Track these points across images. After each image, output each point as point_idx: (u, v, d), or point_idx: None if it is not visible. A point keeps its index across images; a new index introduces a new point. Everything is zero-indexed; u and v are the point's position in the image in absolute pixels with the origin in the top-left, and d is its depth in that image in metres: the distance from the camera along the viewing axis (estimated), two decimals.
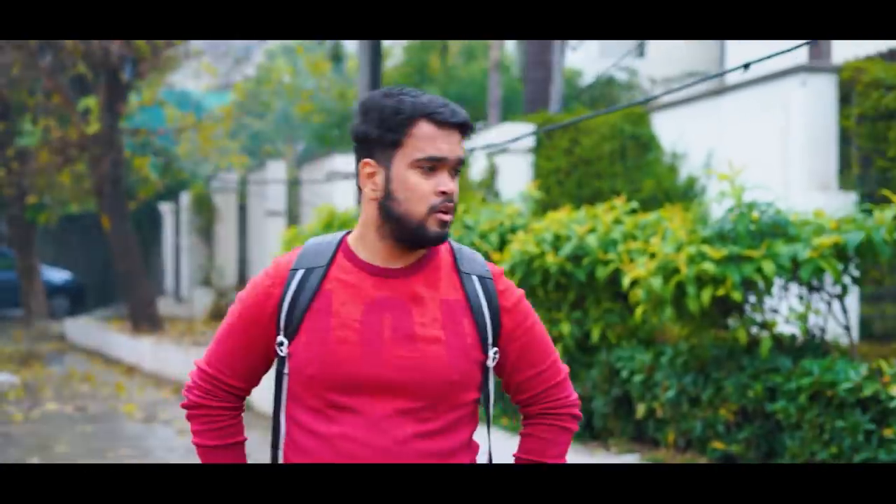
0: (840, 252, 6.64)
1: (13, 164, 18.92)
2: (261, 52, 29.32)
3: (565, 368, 2.88)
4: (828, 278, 6.95)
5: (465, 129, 2.67)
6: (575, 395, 2.87)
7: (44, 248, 26.86)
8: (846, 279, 6.93)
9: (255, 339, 2.76)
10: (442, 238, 2.67)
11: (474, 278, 2.76)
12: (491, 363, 2.76)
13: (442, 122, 2.63)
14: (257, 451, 3.50)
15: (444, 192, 2.62)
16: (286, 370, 2.72)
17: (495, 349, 2.76)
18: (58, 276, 27.39)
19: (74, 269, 28.80)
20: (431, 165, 2.62)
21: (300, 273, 2.72)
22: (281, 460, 2.76)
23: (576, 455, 7.92)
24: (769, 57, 4.60)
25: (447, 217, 2.64)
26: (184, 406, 2.83)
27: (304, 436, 2.70)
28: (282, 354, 2.72)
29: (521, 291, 2.83)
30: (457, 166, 2.67)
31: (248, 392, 2.85)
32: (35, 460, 9.74)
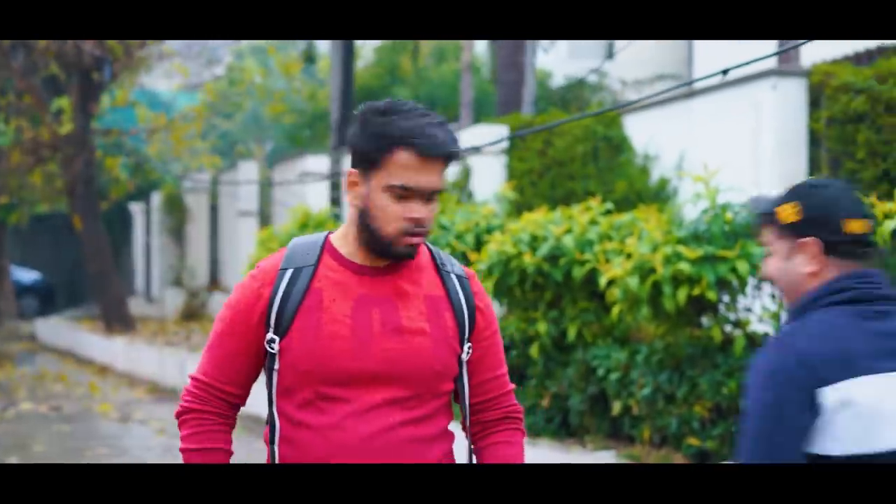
0: None
1: None
2: (228, 52, 29.34)
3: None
4: None
5: (448, 159, 2.76)
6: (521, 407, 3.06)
7: (12, 248, 26.73)
8: None
9: (247, 342, 2.84)
10: (409, 256, 2.79)
11: (454, 277, 2.90)
12: (465, 356, 2.89)
13: (423, 153, 2.71)
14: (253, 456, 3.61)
15: (414, 219, 2.72)
16: (276, 367, 2.81)
17: (469, 344, 2.89)
18: (27, 276, 27.31)
19: (43, 270, 28.70)
20: (402, 193, 2.71)
21: (289, 272, 2.82)
22: (277, 455, 2.84)
23: (552, 452, 8.06)
24: (747, 63, 4.75)
25: (415, 240, 2.75)
26: (176, 414, 2.89)
27: (296, 429, 2.79)
28: (272, 352, 2.80)
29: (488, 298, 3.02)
30: (432, 194, 2.76)
31: (242, 401, 2.93)
32: (13, 460, 9.79)
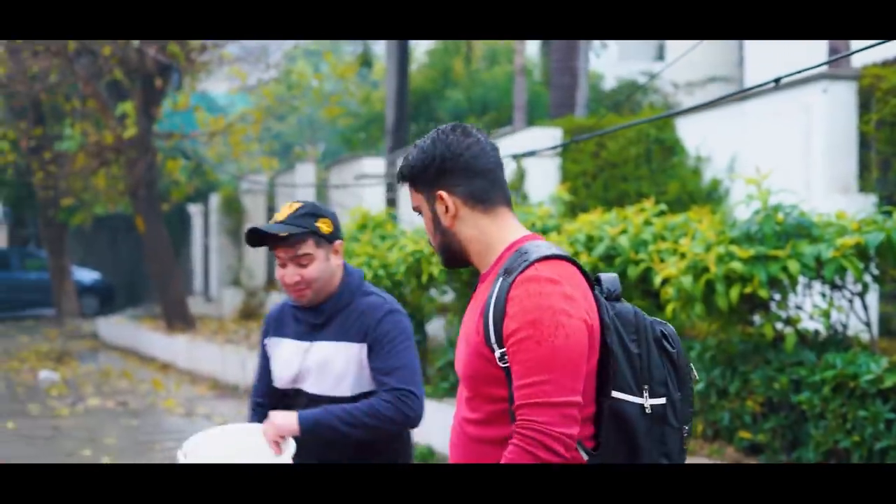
0: (861, 252, 7.00)
1: (51, 168, 19.39)
2: (281, 55, 29.75)
3: (561, 396, 2.76)
4: (849, 276, 7.32)
5: (401, 180, 3.12)
6: (557, 427, 2.74)
7: (73, 249, 27.33)
8: (867, 278, 7.29)
9: None
10: (443, 265, 3.12)
11: (500, 278, 2.90)
12: (500, 363, 2.83)
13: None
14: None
15: None
16: None
17: (502, 349, 2.83)
18: (87, 276, 27.89)
19: (103, 270, 29.29)
20: None
21: None
22: None
23: None
24: (799, 71, 4.98)
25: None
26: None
27: None
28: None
29: (539, 303, 2.79)
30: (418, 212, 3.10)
31: None
32: (87, 452, 10.17)
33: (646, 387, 2.87)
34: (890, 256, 7.00)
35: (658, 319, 3.00)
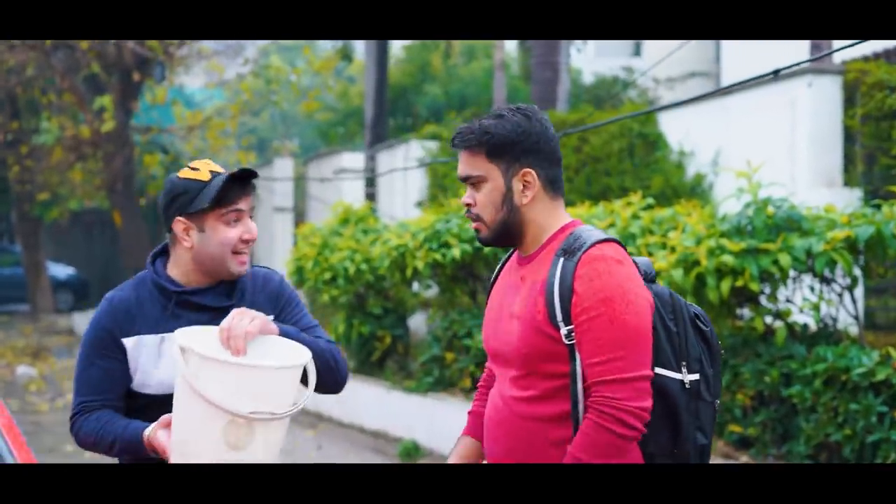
0: (851, 245, 7.01)
1: (27, 162, 19.25)
2: (256, 50, 29.63)
3: (635, 371, 2.86)
4: (838, 270, 7.33)
5: (470, 145, 3.10)
6: (633, 402, 2.84)
7: (47, 245, 27.15)
8: (856, 271, 7.31)
9: None
10: (486, 242, 3.15)
11: (561, 258, 2.95)
12: (566, 340, 2.91)
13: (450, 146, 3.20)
14: None
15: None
16: None
17: (569, 327, 2.90)
18: (62, 271, 27.73)
19: (77, 265, 29.12)
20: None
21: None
22: None
23: None
24: (798, 64, 4.98)
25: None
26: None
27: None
28: None
29: (609, 282, 2.88)
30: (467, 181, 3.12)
31: None
32: (69, 448, 10.10)
33: (683, 363, 3.00)
34: (879, 250, 7.01)
35: (688, 302, 3.11)
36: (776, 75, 4.93)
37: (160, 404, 3.27)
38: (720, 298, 7.15)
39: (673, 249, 7.58)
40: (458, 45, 22.01)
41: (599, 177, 12.14)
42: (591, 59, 24.32)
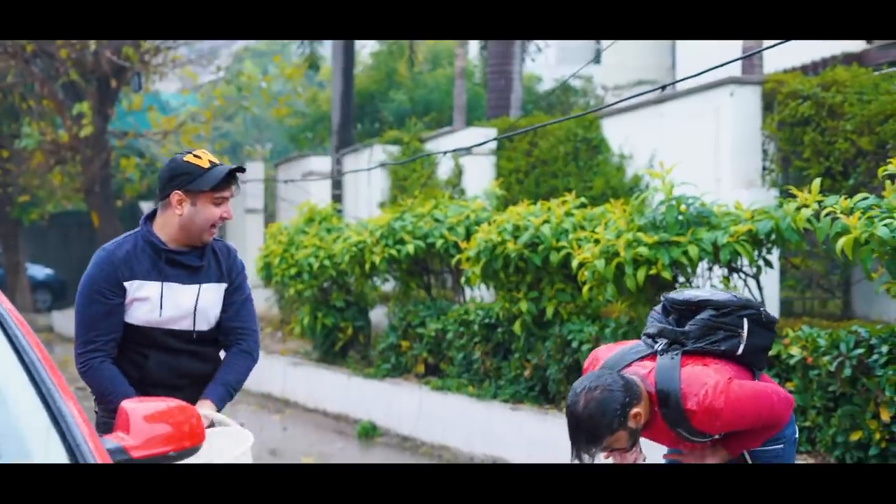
0: (754, 238, 7.89)
1: (8, 165, 20.02)
2: (228, 56, 30.39)
3: None
4: (746, 261, 8.21)
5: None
6: None
7: (26, 246, 27.84)
8: (760, 262, 8.18)
9: None
10: None
11: None
12: None
13: None
14: None
15: None
16: None
17: None
18: (40, 272, 28.44)
19: (55, 266, 29.83)
20: None
21: None
22: None
23: (533, 416, 9.20)
24: (697, 74, 5.84)
25: None
26: None
27: None
28: None
29: None
30: None
31: None
32: None
33: None
34: (780, 242, 7.89)
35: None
36: (663, 90, 5.80)
37: (144, 332, 4.33)
38: (637, 286, 8.03)
39: (597, 242, 8.46)
40: (422, 52, 22.86)
41: (547, 179, 13.03)
42: (552, 65, 25.23)
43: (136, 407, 2.90)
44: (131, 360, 4.38)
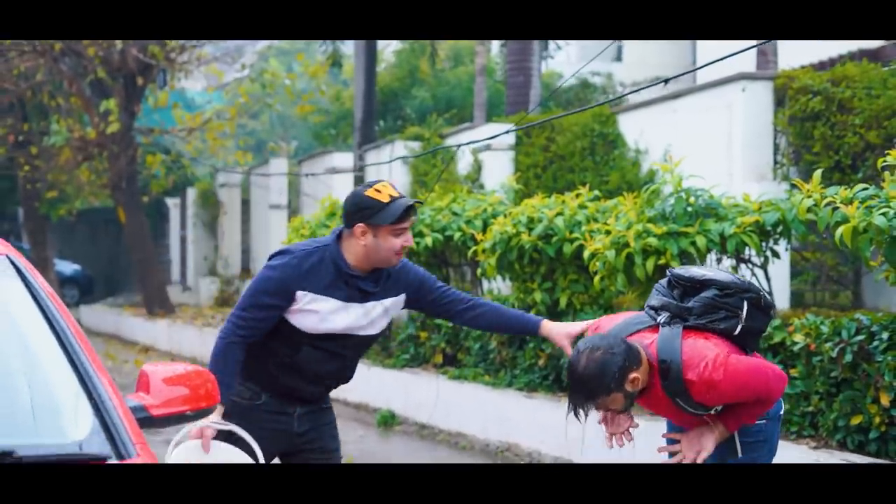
0: (762, 229, 8.08)
1: (37, 162, 20.40)
2: (254, 54, 30.72)
3: None
4: (754, 251, 8.41)
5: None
6: None
7: (53, 242, 28.28)
8: (768, 252, 8.38)
9: None
10: None
11: None
12: None
13: None
14: None
15: None
16: None
17: None
18: (68, 267, 28.87)
19: (82, 262, 30.27)
20: None
21: None
22: None
23: (548, 404, 9.43)
24: (706, 65, 6.06)
25: None
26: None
27: None
28: None
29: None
30: None
31: None
32: None
33: None
34: (786, 233, 8.08)
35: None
36: (666, 83, 6.02)
37: (322, 338, 4.62)
38: (646, 275, 8.24)
39: (608, 233, 8.68)
40: (444, 50, 23.11)
41: (564, 173, 13.25)
42: (573, 62, 25.42)
43: (156, 370, 3.14)
44: (283, 351, 4.66)
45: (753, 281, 8.51)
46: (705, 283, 4.39)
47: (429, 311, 4.96)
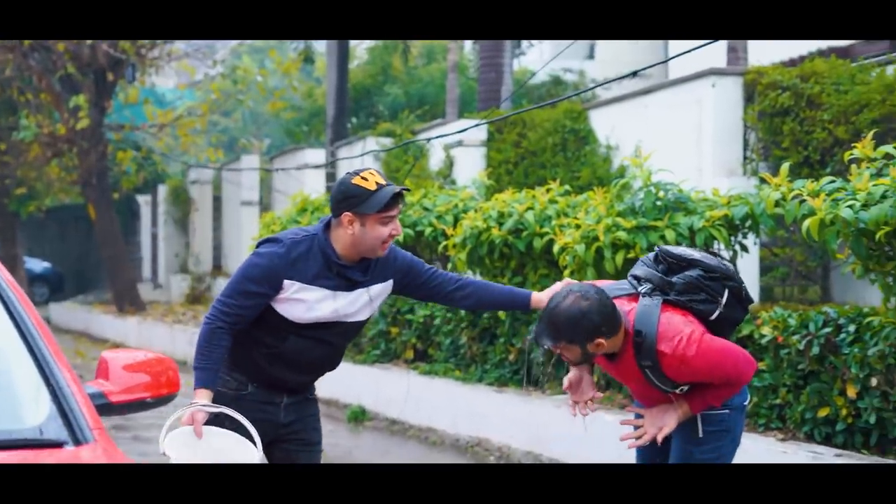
0: (730, 223, 8.11)
1: (6, 158, 20.26)
2: (227, 52, 30.62)
3: None
4: (722, 245, 8.43)
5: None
6: None
7: (23, 239, 28.10)
8: (736, 246, 8.40)
9: None
10: None
11: None
12: None
13: None
14: None
15: None
16: None
17: None
18: (38, 265, 28.70)
19: (51, 259, 30.10)
20: None
21: None
22: None
23: (517, 398, 9.43)
24: (674, 57, 6.07)
25: None
26: None
27: None
28: None
29: None
30: None
31: None
32: None
33: None
34: (754, 227, 8.11)
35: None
36: (635, 75, 6.02)
37: (308, 327, 4.53)
38: (615, 269, 8.24)
39: (578, 227, 8.68)
40: (416, 47, 23.10)
41: (535, 169, 13.27)
42: (546, 59, 25.42)
43: (116, 357, 3.12)
44: (269, 340, 4.60)
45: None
46: (692, 263, 4.42)
47: (418, 295, 4.86)
